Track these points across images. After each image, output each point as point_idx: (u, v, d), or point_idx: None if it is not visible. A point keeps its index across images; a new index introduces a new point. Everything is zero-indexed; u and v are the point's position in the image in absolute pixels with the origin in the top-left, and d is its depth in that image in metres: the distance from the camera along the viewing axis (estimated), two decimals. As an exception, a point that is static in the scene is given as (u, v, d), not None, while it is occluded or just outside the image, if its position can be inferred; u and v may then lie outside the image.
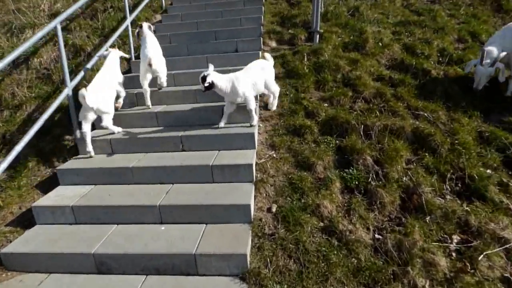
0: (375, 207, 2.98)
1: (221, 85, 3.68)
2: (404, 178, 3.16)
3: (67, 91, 3.90)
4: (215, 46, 5.55)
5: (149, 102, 4.31)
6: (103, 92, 3.74)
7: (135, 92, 4.51)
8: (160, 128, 4.01)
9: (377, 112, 3.90)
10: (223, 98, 3.89)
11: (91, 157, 3.73)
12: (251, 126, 3.77)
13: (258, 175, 3.33)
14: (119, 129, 3.97)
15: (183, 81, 4.82)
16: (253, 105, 3.75)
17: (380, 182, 3.13)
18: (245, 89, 3.69)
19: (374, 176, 3.20)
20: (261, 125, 4.01)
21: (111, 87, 3.97)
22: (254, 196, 3.13)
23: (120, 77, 4.25)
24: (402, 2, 6.52)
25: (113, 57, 4.27)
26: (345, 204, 3.04)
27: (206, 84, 3.59)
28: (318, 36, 5.36)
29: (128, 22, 5.57)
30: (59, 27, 3.84)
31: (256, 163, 3.44)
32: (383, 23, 5.76)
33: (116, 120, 4.09)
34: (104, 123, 3.81)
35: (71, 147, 4.04)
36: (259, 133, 3.89)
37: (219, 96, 4.08)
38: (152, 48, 4.26)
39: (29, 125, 3.59)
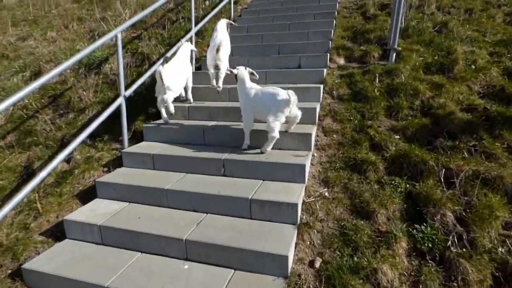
0: (455, 284, 2.24)
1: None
2: (500, 249, 2.36)
3: (120, 100, 3.80)
4: (277, 60, 5.14)
5: (214, 83, 4.49)
6: (175, 73, 4.05)
7: (187, 106, 4.29)
8: (204, 147, 3.69)
9: (465, 153, 3.10)
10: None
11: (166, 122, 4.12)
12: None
13: (304, 217, 2.79)
14: (173, 110, 4.03)
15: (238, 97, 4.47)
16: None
17: (464, 250, 2.38)
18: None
19: (456, 240, 2.45)
20: (315, 154, 3.46)
21: (182, 73, 4.22)
22: (296, 243, 2.60)
23: (189, 68, 4.47)
24: (504, 18, 5.47)
25: (185, 48, 4.50)
26: (412, 273, 2.34)
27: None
28: (394, 54, 4.65)
29: (192, 33, 5.49)
30: (119, 36, 3.76)
31: (303, 201, 2.90)
32: (478, 41, 4.83)
33: (164, 132, 3.92)
34: (165, 96, 3.91)
35: (117, 158, 3.90)
36: (311, 164, 3.35)
37: None
38: (221, 36, 4.50)
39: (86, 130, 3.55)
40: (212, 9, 7.04)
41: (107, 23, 7.50)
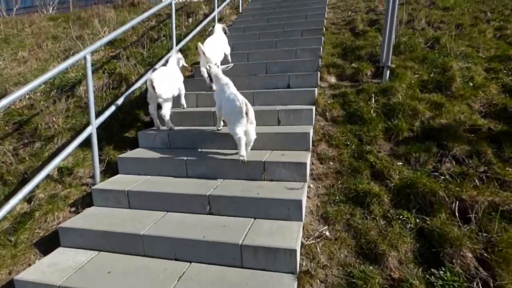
0: None
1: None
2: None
3: (90, 130, 3.38)
4: (265, 80, 4.83)
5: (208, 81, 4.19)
6: (166, 81, 3.96)
7: (167, 132, 3.90)
8: (187, 180, 3.29)
9: (476, 181, 2.81)
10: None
11: (158, 128, 4.15)
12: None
13: (304, 263, 2.42)
14: (172, 126, 4.08)
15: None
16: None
17: (493, 303, 2.05)
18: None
19: (481, 287, 2.13)
20: (311, 185, 3.12)
21: (172, 81, 4.14)
22: (296, 297, 2.22)
23: (180, 76, 4.45)
24: (494, 33, 5.34)
25: (174, 58, 4.49)
26: (435, 334, 1.99)
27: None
28: (388, 71, 4.41)
29: (173, 52, 5.12)
30: (88, 58, 3.37)
31: (302, 244, 2.53)
32: (472, 57, 4.65)
33: (141, 163, 3.51)
34: (162, 111, 3.95)
35: (88, 194, 3.45)
36: (308, 197, 3.00)
37: (260, 144, 3.37)
38: (212, 40, 4.76)
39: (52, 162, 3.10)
40: (195, 27, 6.76)
41: (83, 42, 7.11)
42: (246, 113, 3.05)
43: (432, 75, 4.32)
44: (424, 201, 2.74)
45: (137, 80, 5.24)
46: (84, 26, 8.23)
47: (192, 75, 5.60)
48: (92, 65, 6.24)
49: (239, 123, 3.08)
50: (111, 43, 6.86)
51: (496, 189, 2.69)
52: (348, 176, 3.11)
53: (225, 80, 3.60)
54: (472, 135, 3.35)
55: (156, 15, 7.72)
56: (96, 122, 3.46)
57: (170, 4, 5.07)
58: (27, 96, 5.46)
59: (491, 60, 4.56)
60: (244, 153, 3.10)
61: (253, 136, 3.21)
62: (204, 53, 4.24)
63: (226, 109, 3.34)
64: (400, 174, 3.02)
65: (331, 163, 3.32)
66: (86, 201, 3.35)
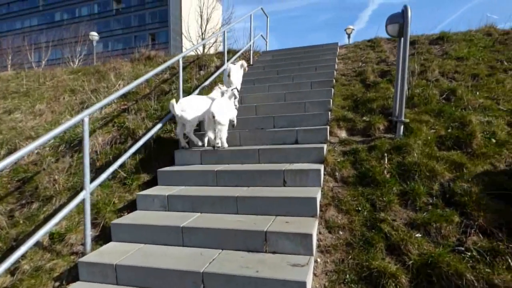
0: None
1: None
2: None
3: (83, 195, 3.21)
4: (272, 135, 4.66)
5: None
6: (188, 106, 4.51)
7: (166, 195, 3.69)
8: (182, 250, 3.02)
9: (509, 260, 2.42)
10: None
11: (185, 147, 4.75)
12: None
13: None
14: (198, 142, 4.71)
15: (227, 181, 3.91)
16: None
17: None
18: None
19: None
20: (319, 260, 2.78)
21: (197, 108, 4.58)
22: None
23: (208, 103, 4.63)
24: (515, 83, 5.08)
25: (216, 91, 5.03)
26: None
27: None
28: (402, 126, 4.16)
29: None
30: (86, 120, 3.29)
31: None
32: (492, 110, 4.37)
33: (136, 231, 3.28)
34: (186, 130, 4.60)
35: (74, 267, 3.16)
36: (314, 274, 2.66)
37: (262, 208, 3.13)
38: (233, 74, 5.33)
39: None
40: (206, 79, 6.81)
41: (98, 95, 7.27)
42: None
43: (449, 130, 4.04)
44: (449, 285, 2.35)
45: (144, 134, 5.18)
46: (101, 79, 8.48)
47: (199, 129, 5.50)
48: (103, 118, 6.40)
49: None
50: (124, 95, 6.96)
51: (535, 273, 2.29)
52: (360, 249, 2.77)
53: None
54: (501, 201, 2.98)
55: (170, 68, 7.86)
56: (91, 187, 3.31)
57: (178, 60, 5.09)
58: (36, 151, 5.46)
59: (514, 113, 4.26)
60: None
61: None
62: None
63: None
64: (420, 248, 2.66)
65: (341, 233, 3.00)
66: (72, 274, 3.09)
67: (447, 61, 6.05)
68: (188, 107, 4.51)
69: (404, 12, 4.10)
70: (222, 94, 4.91)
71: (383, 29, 4.33)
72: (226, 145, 4.48)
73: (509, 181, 3.21)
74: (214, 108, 4.22)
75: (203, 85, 6.27)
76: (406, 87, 4.32)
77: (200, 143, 4.72)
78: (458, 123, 4.12)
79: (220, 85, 5.29)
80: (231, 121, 4.80)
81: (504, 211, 2.84)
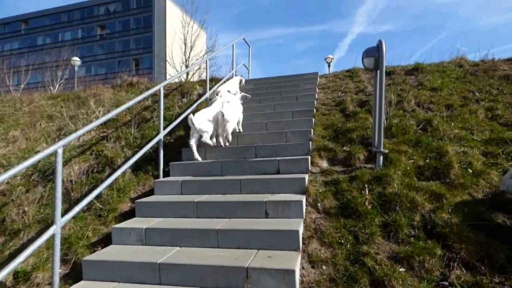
0: None
1: None
2: None
3: (53, 231, 3.02)
4: (254, 165, 4.62)
5: None
6: (204, 118, 5.11)
7: (144, 227, 3.55)
8: (160, 289, 2.87)
9: (493, 296, 2.41)
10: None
11: (198, 159, 5.08)
12: None
13: None
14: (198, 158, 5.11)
15: (207, 213, 3.81)
16: None
17: None
18: None
19: None
20: (302, 298, 2.70)
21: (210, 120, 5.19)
22: None
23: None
24: (486, 114, 5.28)
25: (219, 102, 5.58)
26: None
27: None
28: (381, 157, 4.21)
29: (160, 136, 4.98)
30: (60, 152, 3.13)
31: None
32: (467, 140, 4.50)
33: (109, 268, 3.10)
34: (203, 139, 5.13)
35: None
36: (298, 313, 2.56)
37: (244, 242, 3.06)
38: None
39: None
40: (188, 107, 6.78)
41: (77, 121, 7.11)
42: None
43: (427, 160, 4.12)
44: (435, 323, 2.30)
45: (123, 163, 5.04)
46: (80, 105, 8.32)
47: (180, 157, 5.42)
48: (81, 146, 6.22)
49: None
50: (104, 123, 6.82)
51: (517, 309, 2.28)
52: (343, 285, 2.70)
53: None
54: (481, 233, 3.00)
55: (152, 95, 7.81)
56: (62, 220, 3.12)
57: (159, 89, 5.05)
58: (6, 181, 5.21)
59: (487, 143, 4.41)
60: None
61: None
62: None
63: None
64: (404, 284, 2.62)
65: (324, 268, 2.93)
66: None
67: (422, 92, 6.28)
68: (204, 121, 5.12)
69: (379, 46, 4.25)
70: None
71: (361, 62, 4.47)
72: (228, 142, 5.26)
73: (488, 212, 3.26)
74: (223, 109, 5.12)
75: (185, 113, 6.22)
76: (384, 118, 4.42)
77: (213, 144, 5.27)
78: (435, 154, 4.20)
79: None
80: (237, 124, 5.63)
81: (485, 243, 2.85)
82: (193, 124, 4.99)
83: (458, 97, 6.00)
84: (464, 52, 9.35)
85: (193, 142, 5.11)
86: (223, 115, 5.00)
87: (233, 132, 5.50)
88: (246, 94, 6.31)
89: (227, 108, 5.22)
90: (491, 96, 5.92)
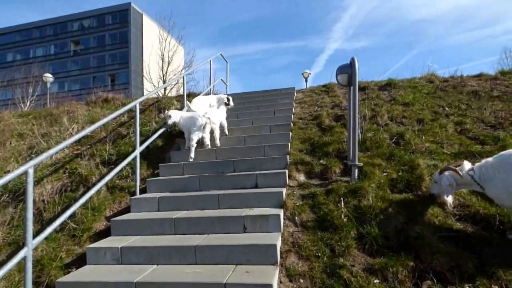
0: None
1: None
2: None
3: (24, 253, 2.90)
4: (232, 179, 4.64)
5: None
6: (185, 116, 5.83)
7: (120, 246, 3.47)
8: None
9: (463, 305, 2.49)
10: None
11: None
12: None
13: None
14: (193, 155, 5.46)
15: (185, 229, 3.78)
16: None
17: None
18: None
19: None
20: (280, 312, 2.70)
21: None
22: None
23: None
24: (455, 128, 5.53)
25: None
26: None
27: None
28: (357, 170, 4.32)
29: (137, 152, 4.92)
30: (30, 172, 3.04)
31: None
32: (437, 153, 4.68)
33: None
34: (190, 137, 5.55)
35: None
36: (276, 329, 2.56)
37: (222, 257, 3.06)
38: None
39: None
40: (165, 122, 6.74)
41: (49, 139, 6.92)
42: None
43: (400, 173, 4.25)
44: (408, 332, 2.35)
45: (98, 181, 4.92)
46: (53, 122, 8.12)
47: (157, 173, 5.37)
48: (53, 164, 6.05)
49: None
50: (77, 140, 6.68)
51: (485, 316, 2.37)
52: (320, 299, 2.73)
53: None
54: (451, 244, 3.11)
55: (129, 111, 7.73)
56: (34, 242, 3.03)
57: (135, 106, 5.02)
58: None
59: (456, 156, 4.59)
60: None
61: None
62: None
63: None
64: (378, 295, 2.67)
65: (301, 281, 2.95)
66: None
67: (395, 107, 6.51)
68: (212, 114, 5.75)
69: (352, 63, 4.41)
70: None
71: (335, 78, 4.62)
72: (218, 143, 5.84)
73: (457, 223, 3.39)
74: (209, 114, 5.68)
75: (162, 129, 6.19)
76: (358, 132, 4.56)
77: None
78: (407, 167, 4.35)
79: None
80: (221, 125, 6.09)
81: (455, 253, 2.96)
82: (209, 119, 5.61)
83: (429, 112, 6.26)
84: (434, 69, 9.76)
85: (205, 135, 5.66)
86: (209, 118, 5.60)
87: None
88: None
89: (213, 113, 5.82)
90: (460, 111, 6.21)
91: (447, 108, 6.36)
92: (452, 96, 6.89)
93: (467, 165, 3.38)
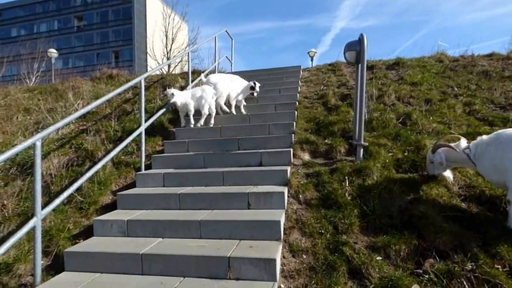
0: None
1: None
2: None
3: (33, 223, 2.97)
4: (237, 157, 4.64)
5: None
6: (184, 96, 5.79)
7: (126, 219, 3.53)
8: (141, 280, 2.86)
9: (464, 283, 2.52)
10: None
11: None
12: None
13: None
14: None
15: (190, 204, 3.82)
16: None
17: None
18: None
19: None
20: (282, 286, 2.75)
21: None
22: None
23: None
24: (464, 108, 5.45)
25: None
26: None
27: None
28: (362, 150, 4.30)
29: (142, 129, 4.92)
30: (38, 145, 3.07)
31: None
32: (444, 134, 4.60)
33: (91, 259, 3.08)
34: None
35: None
36: (278, 301, 2.62)
37: (226, 232, 3.18)
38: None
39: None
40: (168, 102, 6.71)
41: (55, 115, 6.93)
42: None
43: (406, 153, 4.23)
44: (409, 308, 2.40)
45: (103, 156, 4.96)
46: (59, 98, 8.11)
47: (162, 150, 5.39)
48: (60, 139, 6.08)
49: None
50: (83, 116, 6.70)
51: (486, 293, 2.40)
52: (323, 274, 2.77)
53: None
54: (455, 223, 3.12)
55: (133, 87, 7.70)
56: (42, 213, 3.08)
57: (140, 81, 4.98)
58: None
59: (464, 137, 4.53)
60: None
61: None
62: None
63: None
64: (380, 271, 2.71)
65: (304, 257, 2.99)
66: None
67: (403, 86, 6.41)
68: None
69: (360, 40, 4.32)
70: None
71: (343, 55, 4.53)
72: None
73: (462, 203, 3.39)
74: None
75: (167, 105, 6.17)
76: (364, 112, 4.51)
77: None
78: (413, 147, 4.32)
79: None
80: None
81: (459, 233, 2.96)
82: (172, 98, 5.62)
83: (437, 92, 6.16)
84: (444, 48, 9.57)
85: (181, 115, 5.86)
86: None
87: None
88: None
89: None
90: (469, 91, 6.10)
91: (456, 88, 6.26)
92: (462, 76, 6.76)
93: (463, 142, 3.38)
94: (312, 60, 20.87)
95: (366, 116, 5.07)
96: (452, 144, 3.43)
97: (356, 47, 4.34)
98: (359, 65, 4.41)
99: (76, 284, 2.83)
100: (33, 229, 2.98)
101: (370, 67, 7.65)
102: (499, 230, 2.95)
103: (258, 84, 6.31)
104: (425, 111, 5.36)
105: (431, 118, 5.11)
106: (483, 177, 3.49)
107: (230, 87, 6.18)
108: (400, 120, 5.15)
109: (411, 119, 5.09)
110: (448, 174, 3.65)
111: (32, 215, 3.03)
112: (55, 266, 3.30)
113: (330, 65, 8.81)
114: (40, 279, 2.98)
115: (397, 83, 6.72)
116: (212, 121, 5.81)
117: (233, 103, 6.21)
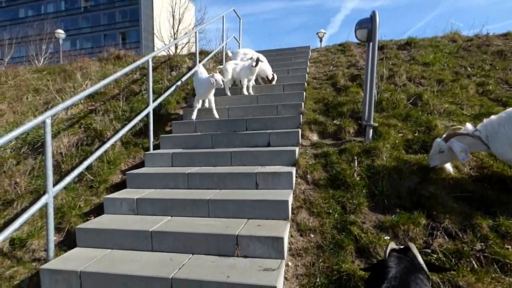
0: None
1: None
2: None
3: (45, 199, 3.03)
4: (244, 138, 4.63)
5: None
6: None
7: (135, 198, 3.57)
8: (151, 256, 2.91)
9: (473, 262, 2.51)
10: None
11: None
12: None
13: None
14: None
15: (198, 184, 3.85)
16: None
17: None
18: None
19: None
20: (290, 263, 2.78)
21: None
22: None
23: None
24: (477, 89, 5.32)
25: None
26: None
27: None
28: (371, 130, 4.25)
29: (150, 109, 4.91)
30: (48, 122, 3.09)
31: None
32: (456, 115, 4.55)
33: (102, 236, 3.14)
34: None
35: (36, 274, 2.97)
36: (285, 278, 2.65)
37: (234, 211, 3.18)
38: None
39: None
40: (177, 80, 6.68)
41: (64, 95, 6.96)
42: None
43: (416, 134, 4.17)
44: (416, 286, 2.40)
45: (112, 135, 5.00)
46: (67, 78, 8.12)
47: (170, 130, 5.40)
48: (69, 119, 6.13)
49: None
50: (91, 96, 6.73)
51: (496, 274, 2.39)
52: (330, 252, 2.79)
53: None
54: (465, 204, 3.10)
55: (140, 68, 7.65)
56: (54, 190, 3.13)
57: (147, 61, 4.94)
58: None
59: (477, 117, 4.45)
60: None
61: None
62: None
63: None
64: (388, 250, 2.71)
65: (312, 236, 3.01)
66: (34, 281, 2.92)
67: (414, 66, 6.27)
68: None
69: (372, 17, 4.20)
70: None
71: (354, 33, 4.42)
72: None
73: (472, 184, 3.35)
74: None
75: (174, 85, 6.14)
76: (374, 92, 4.43)
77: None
78: (424, 128, 4.26)
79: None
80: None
81: (468, 213, 2.94)
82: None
83: (450, 72, 6.01)
84: (458, 28, 9.26)
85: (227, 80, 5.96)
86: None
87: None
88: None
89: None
90: (483, 71, 5.94)
91: (469, 69, 6.09)
92: (476, 56, 6.57)
93: (469, 126, 3.29)
94: (321, 41, 20.44)
95: (376, 97, 4.98)
96: (461, 131, 3.33)
97: (368, 24, 4.23)
98: (370, 44, 4.30)
99: (89, 259, 2.90)
100: (45, 205, 3.04)
101: (381, 47, 7.46)
102: (510, 211, 2.92)
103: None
104: (437, 91, 5.25)
105: (442, 98, 5.01)
106: (495, 157, 3.43)
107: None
108: (411, 100, 5.06)
109: (422, 100, 4.99)
110: (448, 166, 3.55)
111: (44, 192, 3.08)
112: (68, 242, 3.38)
113: (339, 45, 8.63)
114: (53, 254, 3.05)
115: (408, 63, 6.57)
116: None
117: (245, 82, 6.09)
